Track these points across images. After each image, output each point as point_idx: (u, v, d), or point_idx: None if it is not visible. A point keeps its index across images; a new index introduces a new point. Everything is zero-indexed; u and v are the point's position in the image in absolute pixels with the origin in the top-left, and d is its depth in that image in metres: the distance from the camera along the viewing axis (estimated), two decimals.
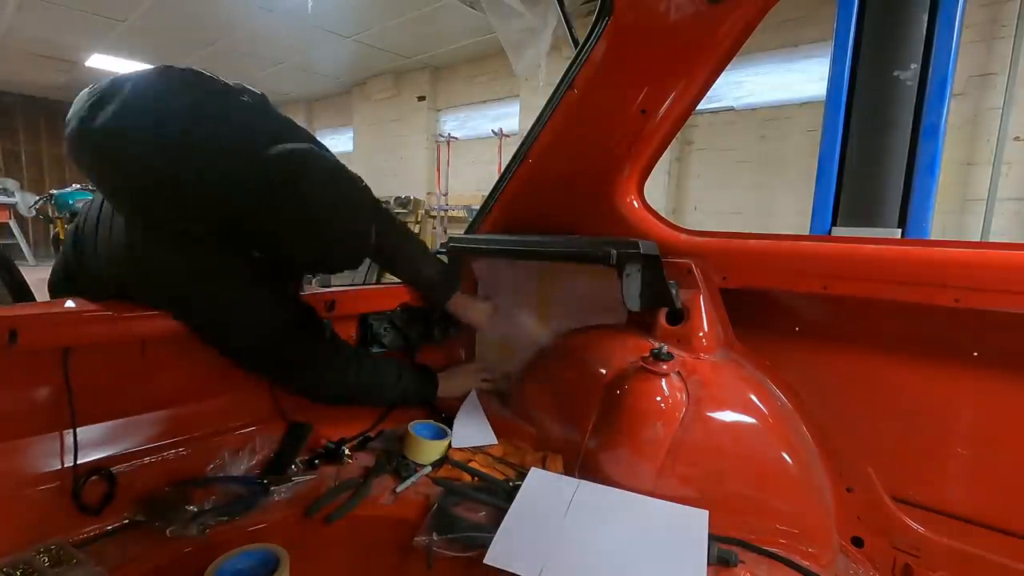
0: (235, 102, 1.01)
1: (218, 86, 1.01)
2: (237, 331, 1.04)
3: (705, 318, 1.17)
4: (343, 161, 1.02)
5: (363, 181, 1.07)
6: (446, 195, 6.91)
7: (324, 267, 1.09)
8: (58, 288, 1.14)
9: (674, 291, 1.17)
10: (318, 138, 1.17)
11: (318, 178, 0.94)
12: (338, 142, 8.99)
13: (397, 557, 0.90)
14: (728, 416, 1.06)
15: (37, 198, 7.40)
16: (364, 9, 5.30)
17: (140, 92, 0.92)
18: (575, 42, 1.30)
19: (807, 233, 2.45)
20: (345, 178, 1.00)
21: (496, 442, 1.28)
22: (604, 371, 1.18)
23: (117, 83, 0.93)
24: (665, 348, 1.09)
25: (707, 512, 0.94)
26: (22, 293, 1.50)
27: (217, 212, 0.94)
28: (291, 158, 0.94)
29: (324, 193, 0.94)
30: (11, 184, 8.03)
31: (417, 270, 1.40)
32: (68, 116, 0.92)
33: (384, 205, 1.38)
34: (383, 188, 7.72)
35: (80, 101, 0.92)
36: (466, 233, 1.56)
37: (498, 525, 0.92)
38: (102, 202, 1.05)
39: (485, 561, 0.84)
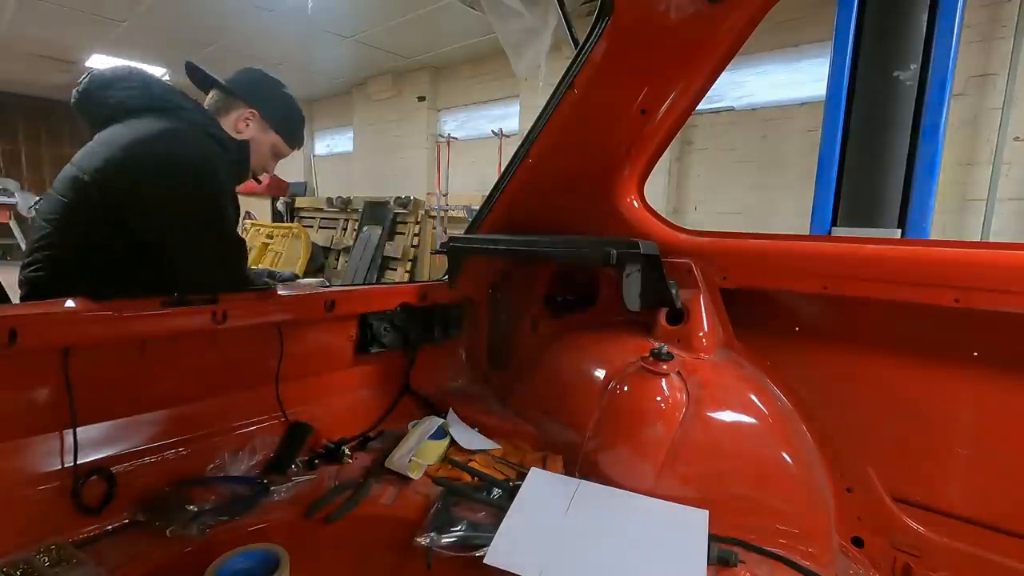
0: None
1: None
2: None
3: (705, 318, 1.17)
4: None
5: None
6: (446, 195, 6.90)
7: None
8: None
9: (674, 291, 1.17)
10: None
11: None
12: (338, 142, 8.99)
13: (397, 557, 0.90)
14: (728, 416, 1.06)
15: (37, 198, 7.38)
16: (364, 9, 5.30)
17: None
18: (575, 42, 1.30)
19: (807, 233, 2.45)
20: None
21: (497, 444, 1.28)
22: (604, 371, 1.18)
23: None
24: (665, 348, 1.09)
25: (707, 512, 0.94)
26: None
27: None
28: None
29: None
30: (11, 184, 8.04)
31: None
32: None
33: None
34: (383, 188, 7.72)
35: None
36: (466, 233, 1.56)
37: (498, 525, 0.91)
38: None
39: (485, 561, 0.84)
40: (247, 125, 1.41)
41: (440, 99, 7.33)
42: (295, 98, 1.52)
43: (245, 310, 1.08)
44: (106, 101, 1.24)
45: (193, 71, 1.42)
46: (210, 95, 1.42)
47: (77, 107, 1.27)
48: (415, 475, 1.13)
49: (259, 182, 1.55)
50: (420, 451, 1.18)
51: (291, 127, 1.51)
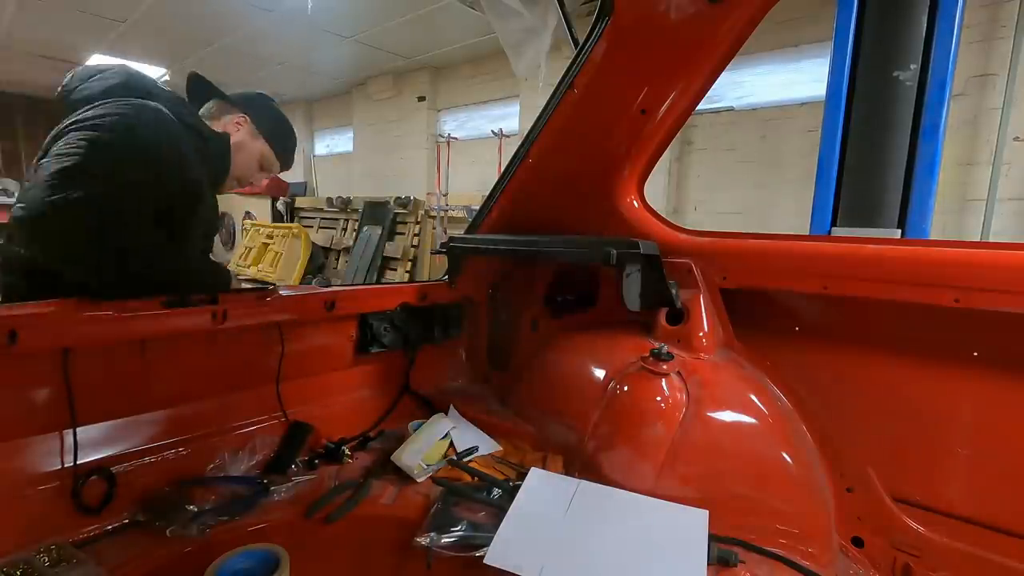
0: None
1: None
2: None
3: (705, 318, 1.17)
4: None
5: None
6: (446, 195, 6.90)
7: None
8: None
9: (674, 291, 1.17)
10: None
11: None
12: (338, 142, 8.98)
13: (397, 557, 0.90)
14: (728, 416, 1.06)
15: None
16: (364, 9, 5.30)
17: None
18: (575, 42, 1.30)
19: (807, 233, 2.45)
20: None
21: (497, 444, 1.28)
22: (604, 371, 1.18)
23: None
24: (665, 348, 1.09)
25: (707, 512, 0.94)
26: None
27: None
28: None
29: None
30: (11, 184, 8.03)
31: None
32: None
33: None
34: (383, 188, 7.72)
35: None
36: (466, 233, 1.56)
37: (498, 525, 0.92)
38: None
39: (485, 561, 0.84)
40: (237, 129, 1.40)
41: (440, 99, 7.33)
42: (291, 123, 1.55)
43: (245, 310, 1.08)
44: (85, 89, 1.18)
45: (196, 81, 1.43)
46: (207, 104, 1.43)
47: (62, 99, 1.20)
48: (420, 477, 1.13)
49: (243, 186, 1.53)
50: (429, 453, 1.18)
51: (281, 138, 1.50)
